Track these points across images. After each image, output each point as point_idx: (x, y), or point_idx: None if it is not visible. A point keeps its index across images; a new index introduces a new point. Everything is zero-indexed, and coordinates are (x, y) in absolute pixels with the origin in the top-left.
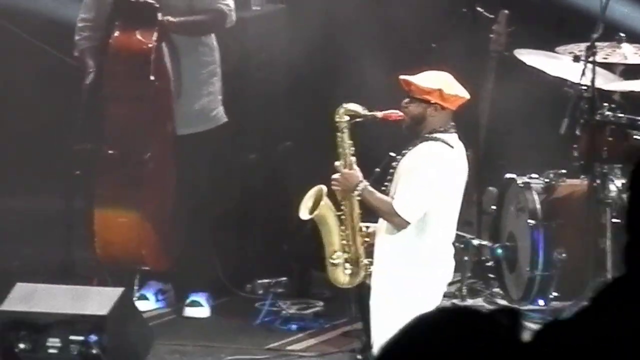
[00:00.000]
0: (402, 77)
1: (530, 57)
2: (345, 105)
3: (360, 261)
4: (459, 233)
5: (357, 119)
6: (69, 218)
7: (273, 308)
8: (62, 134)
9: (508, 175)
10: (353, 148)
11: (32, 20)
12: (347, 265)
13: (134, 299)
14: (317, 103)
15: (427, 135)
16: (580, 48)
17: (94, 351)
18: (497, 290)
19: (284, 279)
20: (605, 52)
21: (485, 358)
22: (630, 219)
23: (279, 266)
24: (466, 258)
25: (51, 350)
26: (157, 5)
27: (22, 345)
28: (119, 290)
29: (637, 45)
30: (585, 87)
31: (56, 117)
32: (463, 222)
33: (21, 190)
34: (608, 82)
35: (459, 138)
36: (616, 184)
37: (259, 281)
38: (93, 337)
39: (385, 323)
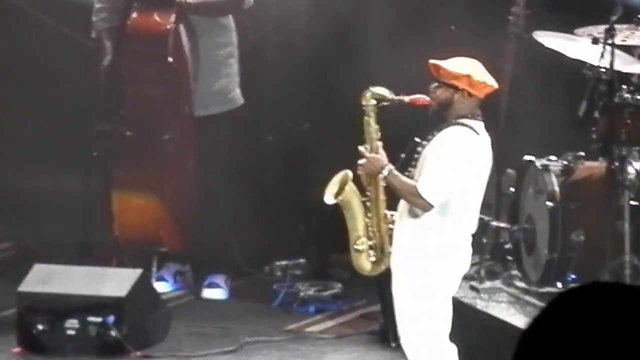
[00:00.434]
0: (431, 61)
1: (549, 39)
2: (372, 88)
3: (384, 248)
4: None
5: (384, 103)
6: (87, 199)
7: (291, 290)
8: (82, 115)
9: (526, 158)
10: (379, 132)
11: (51, 3)
12: (371, 252)
13: (152, 280)
14: (335, 84)
15: (453, 120)
16: (599, 30)
17: (112, 333)
18: (515, 272)
19: (302, 260)
20: (624, 35)
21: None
22: None
23: (296, 248)
24: (485, 240)
25: (69, 332)
26: None
27: (40, 327)
28: (137, 272)
29: None
30: (604, 70)
31: (76, 98)
32: (482, 204)
33: (40, 171)
34: (627, 64)
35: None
36: (634, 167)
37: (277, 263)
38: (111, 319)
39: (407, 307)
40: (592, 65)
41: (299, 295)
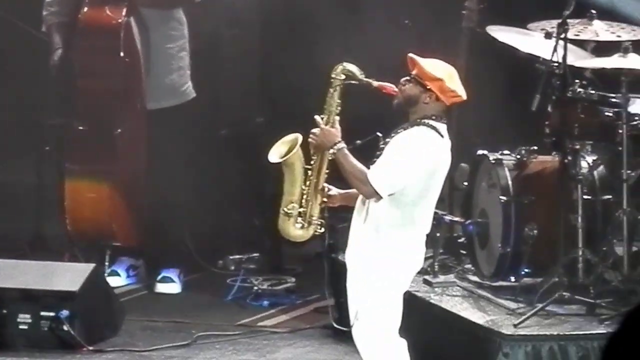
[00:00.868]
0: (410, 54)
1: (502, 34)
2: (345, 64)
3: (312, 218)
4: None
5: (352, 82)
6: (40, 193)
7: (245, 284)
8: (34, 109)
9: (480, 152)
10: (339, 108)
11: None
12: (299, 219)
13: (105, 274)
14: (289, 78)
15: (419, 120)
16: (552, 25)
17: (65, 327)
18: (468, 266)
19: (256, 254)
20: (577, 29)
21: None
22: None
23: (251, 242)
24: (438, 234)
25: (22, 326)
26: None
27: None
28: (90, 266)
29: (608, 22)
30: (556, 64)
31: (28, 92)
32: None
33: None
34: (579, 58)
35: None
36: (587, 161)
37: (231, 257)
38: (64, 313)
39: (360, 301)
40: (545, 60)
41: (252, 289)
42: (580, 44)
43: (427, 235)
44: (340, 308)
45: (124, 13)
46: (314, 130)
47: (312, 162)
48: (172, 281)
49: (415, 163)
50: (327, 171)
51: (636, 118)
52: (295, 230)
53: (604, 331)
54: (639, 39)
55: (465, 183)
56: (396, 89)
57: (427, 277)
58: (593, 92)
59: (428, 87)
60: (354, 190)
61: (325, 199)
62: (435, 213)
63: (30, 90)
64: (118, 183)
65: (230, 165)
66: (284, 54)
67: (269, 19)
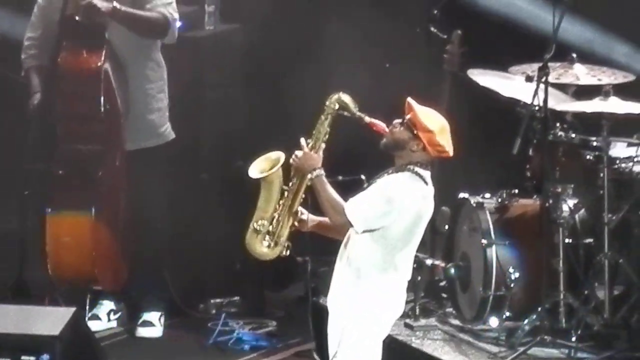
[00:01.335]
0: (409, 99)
1: (484, 77)
2: (341, 94)
3: (280, 239)
4: None
5: (345, 113)
6: (22, 238)
7: (226, 328)
8: (14, 153)
9: (461, 195)
10: (327, 136)
11: None
12: (267, 237)
13: (86, 318)
14: (271, 123)
15: (404, 165)
16: (532, 68)
17: None
18: (450, 310)
19: (237, 298)
20: (558, 73)
21: None
22: None
23: (232, 286)
24: (419, 277)
25: None
26: (105, 25)
27: None
28: (71, 310)
29: (589, 66)
30: (537, 107)
31: (7, 136)
32: None
33: None
34: (560, 102)
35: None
36: (569, 204)
37: (212, 301)
38: (44, 358)
39: (340, 346)
40: (526, 103)
41: (233, 333)
42: (561, 87)
43: (409, 279)
44: (322, 352)
45: (102, 57)
46: (298, 152)
47: (290, 184)
48: (153, 325)
49: (397, 208)
50: (303, 195)
51: (617, 161)
52: (262, 247)
53: None
54: (620, 82)
55: (447, 226)
56: (387, 129)
57: (408, 320)
58: (574, 135)
59: (418, 136)
60: (326, 219)
61: (296, 223)
62: (417, 256)
63: (9, 134)
64: (100, 227)
65: (211, 208)
66: (265, 98)
67: (251, 63)
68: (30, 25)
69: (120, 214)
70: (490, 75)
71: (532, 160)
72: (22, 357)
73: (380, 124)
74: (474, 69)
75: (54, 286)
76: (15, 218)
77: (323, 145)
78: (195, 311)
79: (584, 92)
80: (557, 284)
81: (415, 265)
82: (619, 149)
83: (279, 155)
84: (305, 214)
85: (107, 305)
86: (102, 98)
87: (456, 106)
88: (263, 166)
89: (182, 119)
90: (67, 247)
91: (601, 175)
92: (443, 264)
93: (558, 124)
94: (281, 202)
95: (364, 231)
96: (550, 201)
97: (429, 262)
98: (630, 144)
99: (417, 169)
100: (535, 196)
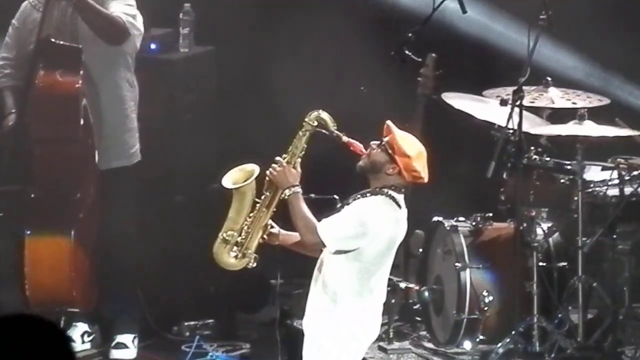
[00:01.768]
0: (388, 122)
1: (458, 101)
2: (320, 112)
3: (248, 251)
4: None
5: (323, 131)
6: None
7: (199, 350)
8: None
9: (435, 218)
10: (303, 152)
11: None
12: (235, 248)
13: None
14: (246, 145)
15: (379, 188)
16: (507, 92)
17: None
18: (423, 333)
19: (211, 321)
20: (532, 96)
21: None
22: None
23: (205, 308)
24: (393, 300)
25: None
26: (81, 47)
27: None
28: None
29: (563, 90)
30: (512, 131)
31: None
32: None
33: None
34: (535, 126)
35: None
36: (543, 228)
37: (186, 323)
38: None
39: None
40: (500, 127)
41: (207, 356)
42: (536, 111)
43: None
44: None
45: (80, 78)
46: (275, 166)
47: (263, 197)
48: (127, 347)
49: (371, 232)
50: (274, 209)
51: (591, 185)
52: (229, 258)
53: None
54: (595, 105)
55: (421, 250)
56: (364, 150)
57: (382, 343)
58: (548, 159)
59: (394, 159)
60: (295, 234)
61: (266, 236)
62: (390, 279)
63: None
64: (78, 248)
65: (185, 231)
66: (241, 119)
67: (225, 85)
68: (5, 45)
69: (95, 235)
70: (464, 98)
71: (507, 184)
72: None
73: (358, 144)
74: (449, 92)
75: (28, 308)
76: None
77: (299, 161)
78: (169, 333)
79: (558, 115)
80: (531, 307)
81: (389, 288)
82: (594, 173)
83: (254, 168)
84: (275, 228)
85: (81, 327)
86: (81, 120)
87: (430, 129)
88: (237, 177)
89: (155, 140)
90: (47, 268)
91: (575, 198)
92: (417, 287)
93: (532, 148)
94: (252, 214)
95: (337, 251)
96: (524, 225)
97: (402, 285)
98: (604, 168)
99: (391, 192)
100: (509, 220)
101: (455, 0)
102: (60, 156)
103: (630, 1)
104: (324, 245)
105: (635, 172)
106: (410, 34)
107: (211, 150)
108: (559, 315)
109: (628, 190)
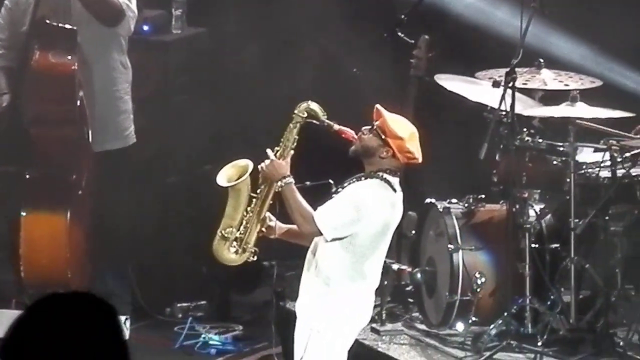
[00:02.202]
0: (378, 106)
1: (451, 83)
2: (310, 102)
3: (247, 246)
4: None
5: (314, 121)
6: None
7: (192, 332)
8: None
9: (428, 200)
10: (295, 144)
11: None
12: (235, 244)
13: None
14: (238, 127)
15: (373, 172)
16: (499, 73)
17: None
18: (416, 314)
19: (204, 302)
20: (525, 78)
21: None
22: None
23: (198, 290)
24: (386, 282)
25: None
26: (76, 29)
27: None
28: None
29: (556, 71)
30: (504, 113)
31: None
32: None
33: None
34: (527, 107)
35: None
36: (535, 209)
37: (179, 304)
38: None
39: (305, 353)
40: (493, 108)
41: (200, 337)
42: (529, 92)
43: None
44: (288, 356)
45: (76, 60)
46: (266, 161)
47: (258, 191)
48: None
49: (366, 216)
50: (270, 202)
51: (584, 167)
52: (229, 254)
53: None
54: (587, 87)
55: (413, 231)
56: (355, 136)
57: (374, 325)
58: (541, 140)
59: (387, 142)
60: (294, 226)
61: (264, 229)
62: (383, 261)
63: None
64: (74, 229)
65: (178, 212)
66: (232, 102)
67: (218, 67)
68: None
69: (89, 216)
70: (457, 80)
71: (499, 166)
72: None
73: (349, 131)
74: (441, 74)
75: (22, 289)
76: None
77: (291, 153)
78: (162, 315)
79: (551, 97)
80: (524, 289)
81: (381, 270)
82: (586, 154)
83: (247, 163)
84: (273, 221)
85: None
86: (77, 101)
87: (423, 111)
88: (231, 173)
89: (148, 122)
90: (42, 249)
91: (568, 180)
92: (409, 269)
93: (525, 129)
94: (249, 208)
95: (334, 239)
96: (517, 206)
97: (395, 266)
98: (596, 150)
99: (385, 175)
100: (501, 201)
101: None
102: (56, 137)
103: None
104: (321, 234)
105: (627, 154)
106: (402, 16)
107: (204, 132)
108: (552, 297)
109: (620, 172)
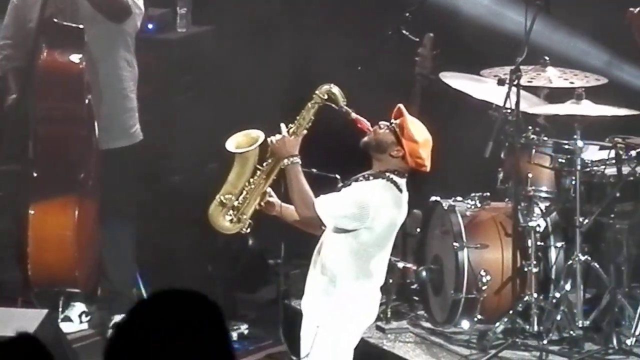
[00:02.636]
0: (401, 105)
1: (456, 81)
2: (332, 86)
3: (243, 216)
4: None
5: (332, 105)
6: None
7: None
8: None
9: (433, 198)
10: (310, 124)
11: None
12: (231, 212)
13: (59, 320)
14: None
15: (381, 172)
16: (504, 71)
17: None
18: (421, 312)
19: None
20: (530, 76)
21: None
22: None
23: (204, 288)
24: (391, 280)
25: None
26: (83, 27)
27: None
28: (43, 312)
29: (561, 69)
30: (509, 111)
31: None
32: None
33: None
34: (532, 105)
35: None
36: (540, 207)
37: None
38: None
39: (312, 350)
40: (498, 106)
41: None
42: (534, 90)
43: (381, 285)
44: (294, 354)
45: (84, 59)
46: (277, 136)
47: (264, 164)
48: None
49: (370, 215)
50: (274, 177)
51: (589, 164)
52: (224, 221)
53: None
54: (592, 85)
55: (419, 229)
56: (371, 128)
57: (379, 323)
58: (546, 138)
59: (401, 142)
60: (293, 207)
61: (262, 204)
62: (389, 259)
63: None
64: (81, 228)
65: (183, 210)
66: (237, 100)
67: (223, 65)
68: (4, 27)
69: (97, 215)
70: (462, 78)
71: (504, 164)
72: None
73: (365, 122)
74: (446, 72)
75: (29, 288)
76: None
77: (304, 132)
78: None
79: (556, 95)
80: (529, 287)
81: (387, 268)
82: (591, 152)
83: (259, 134)
84: (274, 197)
85: (79, 307)
86: (86, 100)
87: (428, 109)
88: (241, 141)
89: (153, 121)
90: (50, 248)
91: (573, 178)
92: (415, 267)
93: (530, 127)
94: (252, 180)
95: (336, 229)
96: (522, 204)
97: (400, 264)
98: (602, 147)
99: (392, 176)
100: (507, 199)
101: None
102: (64, 136)
103: None
104: (320, 221)
105: (632, 152)
106: (407, 14)
107: (209, 130)
108: (557, 295)
109: (626, 169)
